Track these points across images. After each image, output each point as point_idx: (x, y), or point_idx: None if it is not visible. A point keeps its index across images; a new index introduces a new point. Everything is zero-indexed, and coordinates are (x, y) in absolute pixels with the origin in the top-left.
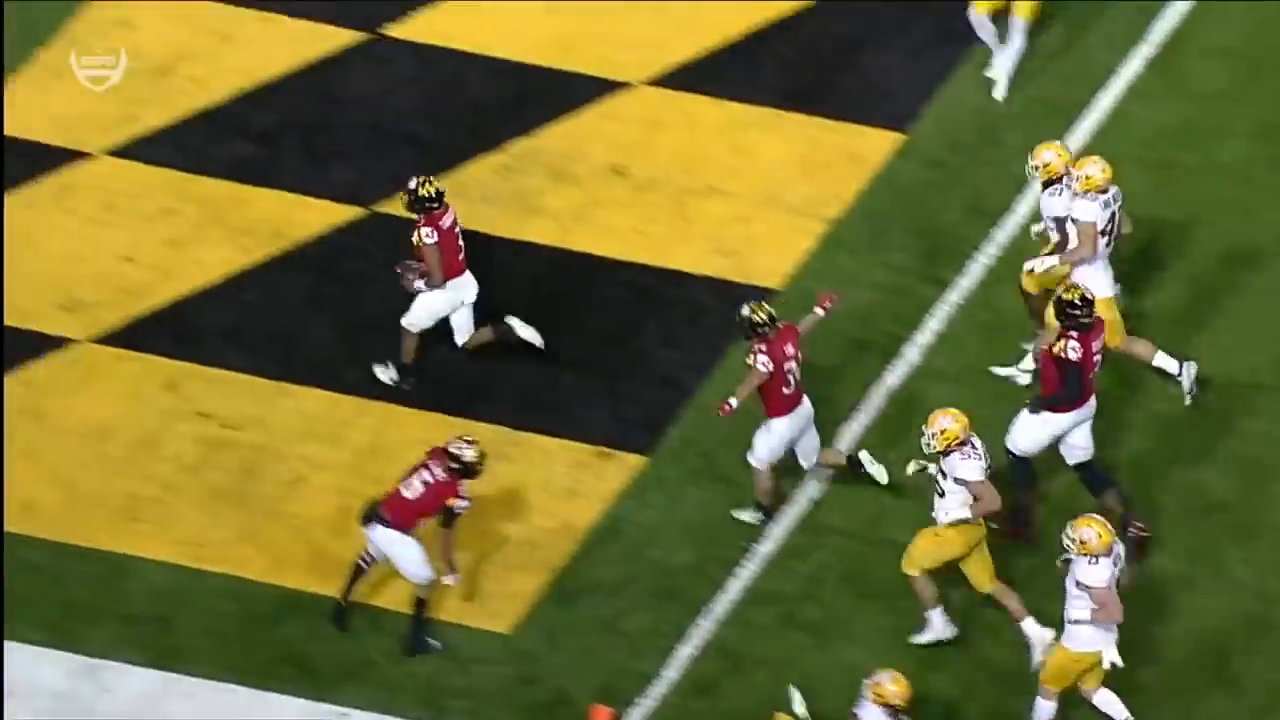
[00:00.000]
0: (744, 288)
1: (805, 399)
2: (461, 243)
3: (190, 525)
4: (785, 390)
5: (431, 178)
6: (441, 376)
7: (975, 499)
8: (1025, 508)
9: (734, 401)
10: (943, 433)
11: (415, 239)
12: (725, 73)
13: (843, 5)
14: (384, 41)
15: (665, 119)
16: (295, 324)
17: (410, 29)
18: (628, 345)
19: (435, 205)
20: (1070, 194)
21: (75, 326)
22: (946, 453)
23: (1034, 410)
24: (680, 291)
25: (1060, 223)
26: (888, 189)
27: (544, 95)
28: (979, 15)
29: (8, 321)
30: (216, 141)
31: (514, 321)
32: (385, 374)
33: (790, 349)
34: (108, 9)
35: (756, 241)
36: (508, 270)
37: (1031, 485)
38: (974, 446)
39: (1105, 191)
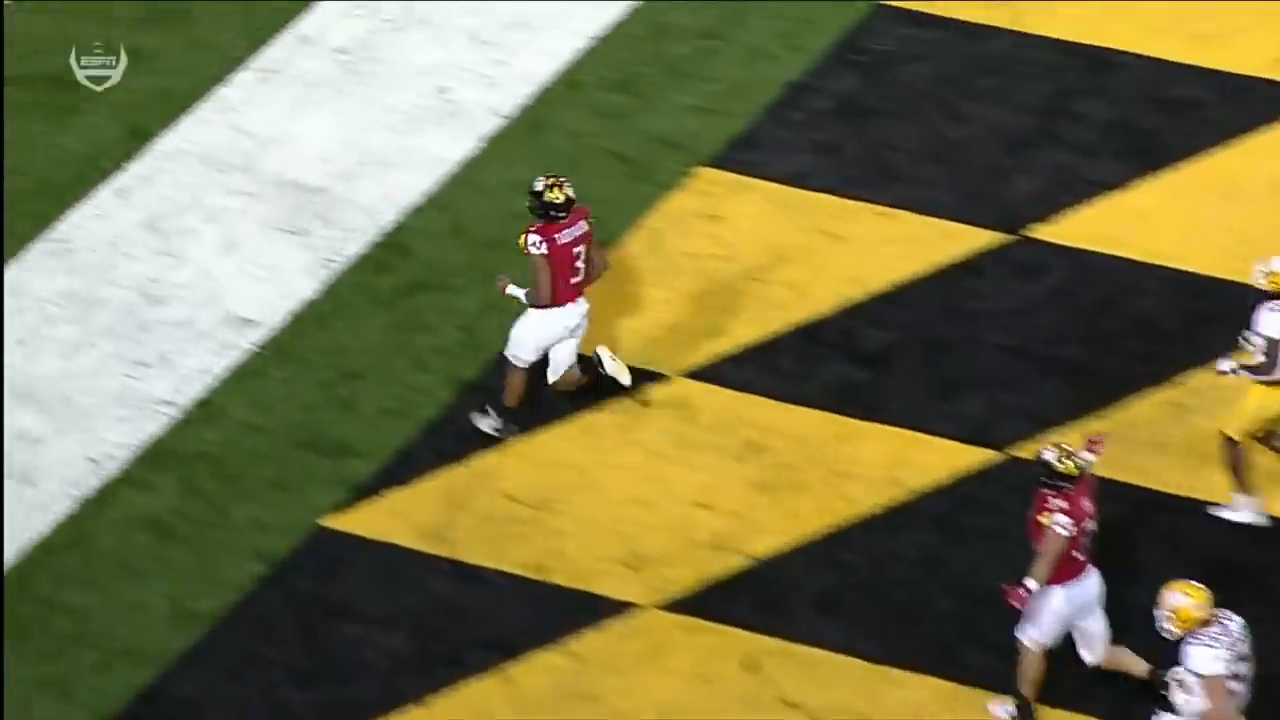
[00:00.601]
0: None
1: (1094, 570)
2: (580, 265)
3: None
4: (1075, 554)
5: (565, 180)
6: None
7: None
8: None
9: (1033, 583)
10: (1176, 612)
11: (521, 244)
12: None
13: None
14: (1028, 244)
15: None
16: (907, 594)
17: (1061, 230)
18: None
19: (560, 214)
20: None
21: (638, 588)
22: (1187, 638)
23: None
24: None
25: (1274, 344)
26: None
27: (1229, 315)
28: None
29: (564, 581)
30: (817, 363)
31: (602, 352)
32: (486, 422)
33: (1088, 504)
34: (691, 200)
35: None
36: (1191, 539)
37: None
38: (1222, 629)
39: None
